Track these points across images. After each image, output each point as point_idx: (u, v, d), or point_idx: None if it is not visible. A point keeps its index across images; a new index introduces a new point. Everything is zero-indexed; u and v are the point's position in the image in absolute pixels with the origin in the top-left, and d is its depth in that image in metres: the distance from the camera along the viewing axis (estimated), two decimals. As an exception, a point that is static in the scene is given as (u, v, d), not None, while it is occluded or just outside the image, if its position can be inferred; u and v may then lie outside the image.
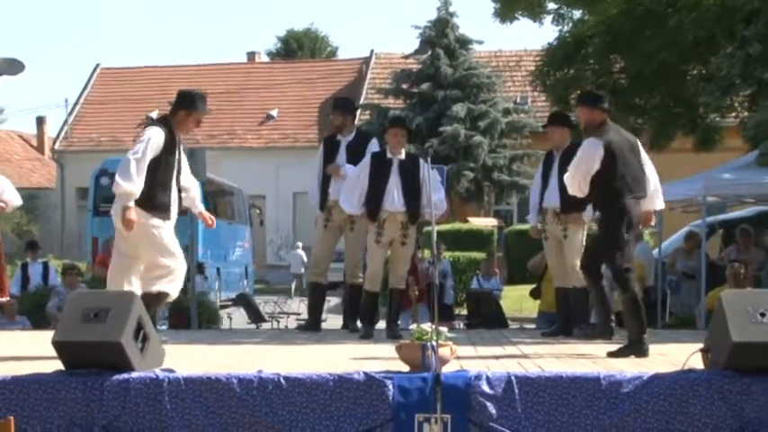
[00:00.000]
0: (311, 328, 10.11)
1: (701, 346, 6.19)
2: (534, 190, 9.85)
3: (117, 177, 7.46)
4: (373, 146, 9.94)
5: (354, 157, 9.81)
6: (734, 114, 16.56)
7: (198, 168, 14.06)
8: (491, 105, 32.63)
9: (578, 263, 9.70)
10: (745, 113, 15.65)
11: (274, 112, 36.86)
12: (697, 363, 6.11)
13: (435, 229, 6.42)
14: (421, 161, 9.46)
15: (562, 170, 9.46)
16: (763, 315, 5.86)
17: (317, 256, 10.31)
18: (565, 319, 9.80)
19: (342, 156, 9.97)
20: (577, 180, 7.87)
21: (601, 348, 8.29)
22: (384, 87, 34.72)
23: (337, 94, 33.55)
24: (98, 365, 5.97)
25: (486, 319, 14.03)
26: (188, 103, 7.85)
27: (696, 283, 13.56)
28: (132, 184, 7.40)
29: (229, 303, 20.62)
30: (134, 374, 5.96)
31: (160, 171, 7.57)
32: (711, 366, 6.03)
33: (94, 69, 40.77)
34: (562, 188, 9.31)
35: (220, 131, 36.52)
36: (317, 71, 39.44)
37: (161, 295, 7.62)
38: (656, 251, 15.65)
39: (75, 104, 39.45)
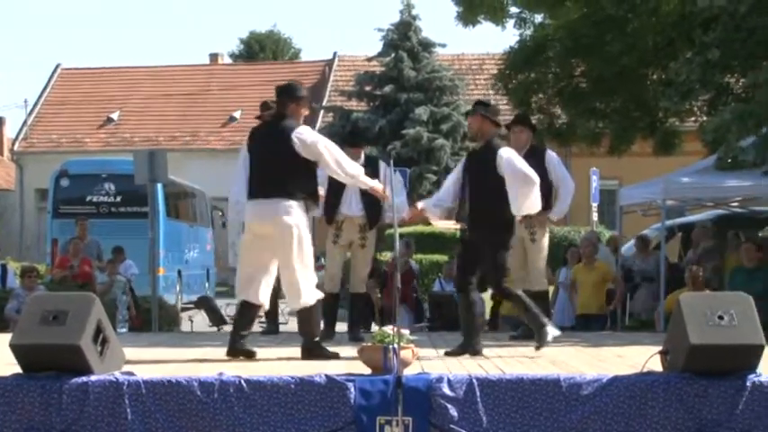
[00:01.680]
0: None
1: (659, 348, 6.24)
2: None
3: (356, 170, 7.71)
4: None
5: None
6: (693, 119, 16.67)
7: (159, 170, 14.02)
8: (454, 108, 32.68)
9: (544, 267, 9.80)
10: (704, 118, 15.77)
11: (237, 114, 36.72)
12: (656, 365, 6.16)
13: (398, 231, 6.43)
14: (382, 164, 9.48)
15: None
16: (720, 318, 5.91)
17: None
18: (526, 323, 9.82)
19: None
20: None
21: (564, 351, 8.35)
22: (347, 90, 34.70)
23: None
24: (57, 369, 5.91)
25: (449, 321, 14.05)
26: (293, 94, 7.77)
27: (654, 286, 13.66)
28: None
29: (190, 306, 20.53)
30: (93, 378, 5.91)
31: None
32: (670, 368, 6.07)
33: (55, 69, 40.43)
34: None
35: (183, 133, 36.35)
36: (279, 73, 39.29)
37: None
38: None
39: (35, 105, 39.08)
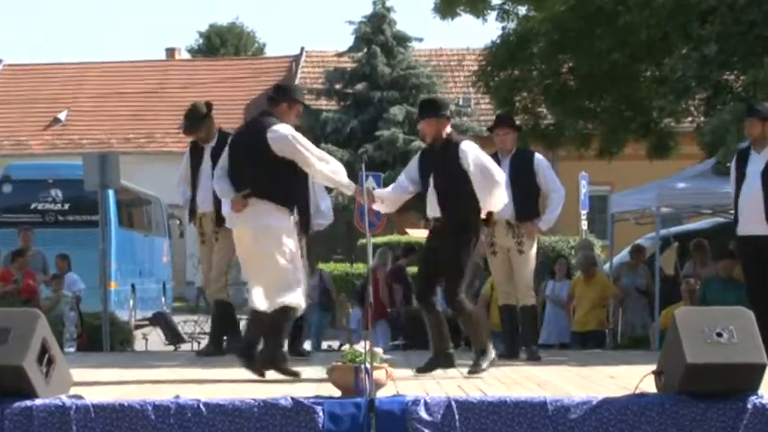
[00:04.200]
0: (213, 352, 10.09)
1: (653, 368, 6.26)
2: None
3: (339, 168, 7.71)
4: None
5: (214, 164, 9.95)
6: (689, 119, 16.79)
7: (111, 175, 13.96)
8: (431, 108, 32.80)
9: (531, 280, 9.81)
10: (702, 118, 15.87)
11: (196, 114, 36.71)
12: (649, 386, 6.18)
13: (371, 241, 6.44)
14: None
15: (514, 177, 9.53)
16: (719, 335, 5.93)
17: (208, 272, 10.32)
18: (511, 340, 9.85)
19: (207, 162, 10.02)
20: None
21: (549, 371, 8.36)
22: (315, 88, 34.72)
23: (265, 94, 33.46)
24: (-2, 392, 5.88)
25: (427, 339, 14.03)
26: (289, 95, 7.90)
27: (647, 300, 13.71)
28: None
29: (145, 323, 20.44)
30: (38, 401, 5.88)
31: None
32: (665, 390, 6.09)
33: (-4, 66, 40.27)
34: (515, 196, 9.38)
35: (137, 135, 36.26)
36: (242, 69, 39.34)
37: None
38: (607, 266, 15.80)
39: (-25, 104, 38.91)
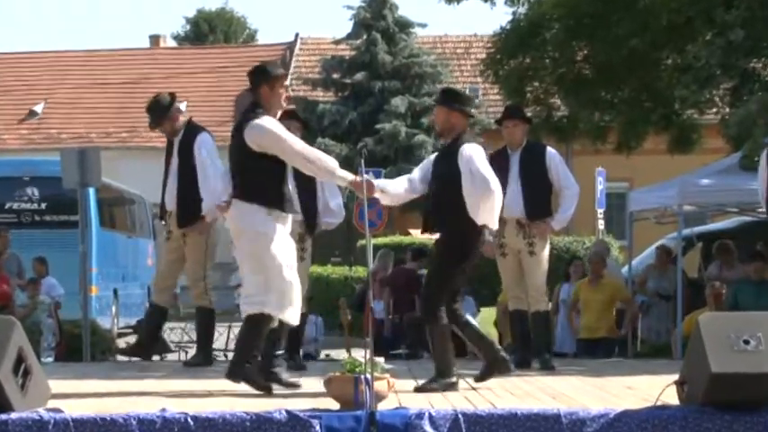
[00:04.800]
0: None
1: (675, 377, 6.26)
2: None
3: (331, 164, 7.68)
4: (204, 141, 10.03)
5: (185, 156, 10.01)
6: (714, 110, 16.79)
7: (91, 172, 13.97)
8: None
9: (544, 283, 9.80)
10: (727, 109, 15.88)
11: (182, 106, 36.59)
12: (671, 398, 6.18)
13: (371, 242, 6.43)
14: None
15: (525, 172, 9.52)
16: (746, 342, 5.93)
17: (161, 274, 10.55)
18: (522, 348, 9.85)
19: (175, 157, 10.12)
20: None
21: (563, 381, 8.37)
22: (311, 77, 34.75)
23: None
24: (-29, 405, 5.89)
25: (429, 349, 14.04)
26: (265, 75, 7.84)
27: (671, 305, 13.71)
28: None
29: (129, 331, 20.43)
30: (14, 415, 5.89)
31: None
32: (688, 401, 6.10)
33: (-32, 55, 40.30)
34: (526, 193, 9.37)
35: (118, 128, 36.27)
36: (232, 58, 39.33)
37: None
38: (625, 269, 15.81)
39: (-54, 96, 38.95)
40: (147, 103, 10.44)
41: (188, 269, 10.23)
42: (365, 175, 7.53)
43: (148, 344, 10.59)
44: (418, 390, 7.70)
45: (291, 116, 9.55)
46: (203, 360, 10.10)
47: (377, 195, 7.99)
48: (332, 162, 7.74)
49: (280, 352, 8.11)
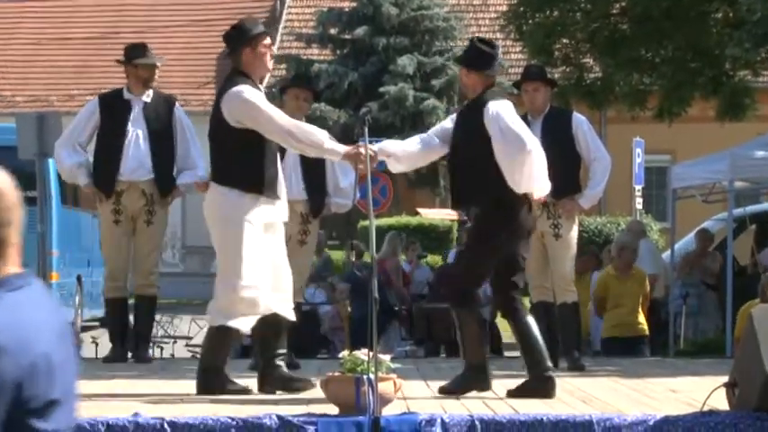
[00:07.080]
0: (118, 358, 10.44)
1: (725, 379, 6.29)
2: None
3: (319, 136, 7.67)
4: (184, 114, 10.09)
5: (158, 122, 10.11)
6: (770, 72, 16.82)
7: (51, 141, 13.98)
8: (449, 58, 32.74)
9: (572, 271, 9.79)
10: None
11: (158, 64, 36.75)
12: (720, 402, 6.21)
13: (374, 224, 6.43)
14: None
15: (548, 142, 9.52)
16: (806, 338, 5.96)
17: (112, 264, 10.59)
18: (549, 345, 9.87)
19: (140, 121, 10.19)
20: None
21: (595, 383, 8.40)
22: (305, 33, 34.69)
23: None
24: None
25: (441, 344, 14.11)
26: (244, 35, 7.87)
27: (719, 297, 13.74)
28: None
29: (95, 324, 20.48)
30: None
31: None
32: (739, 406, 6.12)
33: None
34: (549, 167, 9.38)
35: (83, 90, 36.20)
36: (213, 10, 39.27)
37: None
38: (667, 253, 15.82)
39: None
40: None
41: (148, 257, 10.26)
42: (369, 146, 7.46)
43: (122, 344, 10.62)
44: (440, 391, 7.64)
45: (299, 84, 9.59)
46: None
47: (383, 159, 7.83)
48: (320, 134, 7.72)
49: (282, 351, 7.97)
